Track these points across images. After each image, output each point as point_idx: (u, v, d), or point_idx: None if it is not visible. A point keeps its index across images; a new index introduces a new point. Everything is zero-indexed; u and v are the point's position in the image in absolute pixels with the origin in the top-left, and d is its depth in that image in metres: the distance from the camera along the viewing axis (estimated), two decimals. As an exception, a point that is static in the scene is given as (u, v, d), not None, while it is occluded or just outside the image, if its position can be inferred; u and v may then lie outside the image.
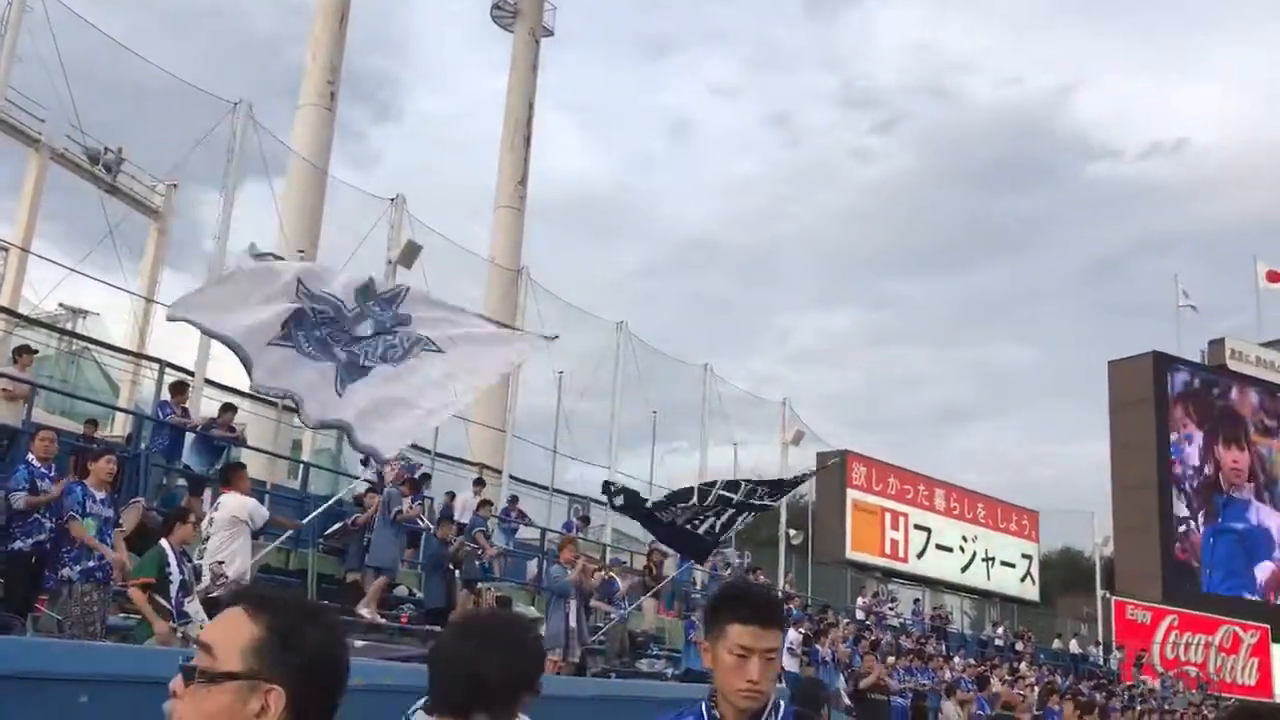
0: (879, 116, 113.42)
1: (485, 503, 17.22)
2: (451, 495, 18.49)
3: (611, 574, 16.90)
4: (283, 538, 11.73)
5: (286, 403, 12.48)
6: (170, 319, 9.00)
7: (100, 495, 8.76)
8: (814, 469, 14.39)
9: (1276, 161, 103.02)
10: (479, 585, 16.00)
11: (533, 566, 19.55)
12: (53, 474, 9.00)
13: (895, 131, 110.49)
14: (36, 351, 14.54)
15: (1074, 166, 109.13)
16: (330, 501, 13.30)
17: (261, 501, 13.59)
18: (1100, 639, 36.97)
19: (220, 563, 8.94)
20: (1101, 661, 34.96)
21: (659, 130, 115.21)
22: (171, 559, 8.05)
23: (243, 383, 20.55)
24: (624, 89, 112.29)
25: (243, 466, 11.40)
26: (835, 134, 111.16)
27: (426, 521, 14.04)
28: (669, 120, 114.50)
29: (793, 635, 18.62)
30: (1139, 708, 28.08)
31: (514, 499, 20.95)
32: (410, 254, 19.73)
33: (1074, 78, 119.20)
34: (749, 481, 13.57)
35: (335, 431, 14.63)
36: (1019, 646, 30.76)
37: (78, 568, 8.23)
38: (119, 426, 16.37)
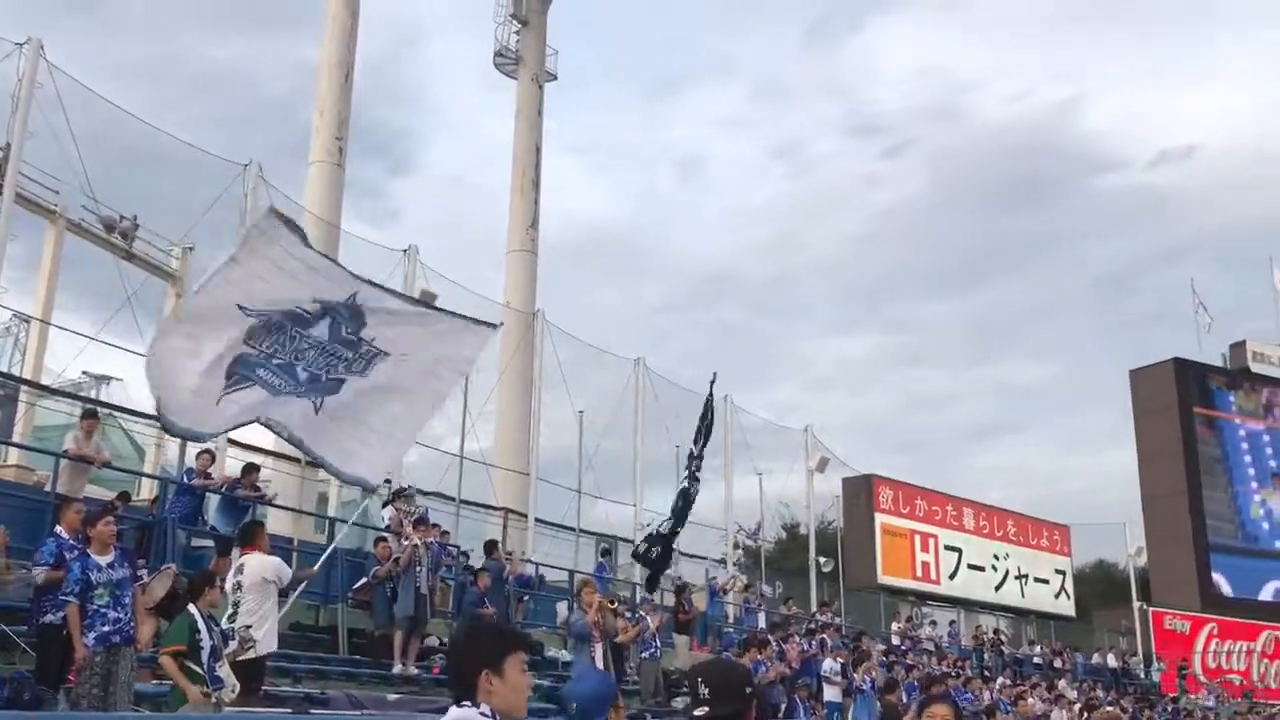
0: (887, 141, 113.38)
1: (491, 543, 17.88)
2: (492, 544, 18.38)
3: (642, 613, 16.84)
4: (298, 591, 11.60)
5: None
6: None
7: (105, 559, 8.51)
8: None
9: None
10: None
11: (563, 609, 19.48)
12: (81, 545, 9.00)
13: (904, 155, 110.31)
14: (97, 416, 14.17)
15: (1084, 179, 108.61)
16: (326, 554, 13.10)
17: (288, 559, 13.63)
18: (1140, 651, 36.55)
19: (248, 627, 8.96)
20: (1143, 674, 34.54)
21: (668, 167, 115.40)
22: (201, 624, 8.08)
23: (266, 441, 20.66)
24: (630, 128, 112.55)
25: (261, 525, 11.41)
26: (844, 161, 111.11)
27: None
28: (677, 156, 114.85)
29: (829, 664, 18.49)
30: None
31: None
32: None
33: (1080, 89, 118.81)
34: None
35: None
36: (1057, 664, 30.43)
37: (92, 634, 8.23)
38: (145, 491, 16.46)
